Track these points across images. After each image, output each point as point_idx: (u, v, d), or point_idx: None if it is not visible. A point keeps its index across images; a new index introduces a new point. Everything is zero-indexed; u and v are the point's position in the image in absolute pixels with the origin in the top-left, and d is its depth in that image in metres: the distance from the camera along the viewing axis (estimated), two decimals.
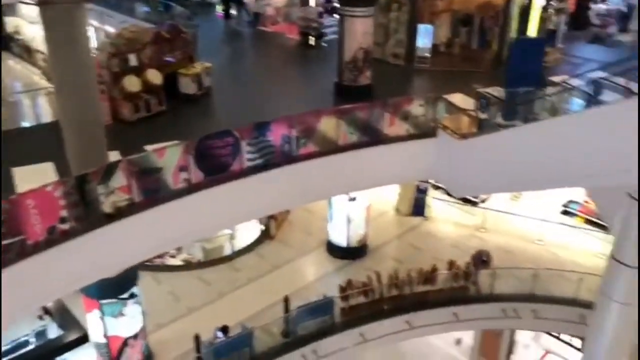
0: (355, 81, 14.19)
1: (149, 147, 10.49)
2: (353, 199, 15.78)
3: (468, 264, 15.23)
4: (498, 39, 17.00)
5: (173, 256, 17.85)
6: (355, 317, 14.27)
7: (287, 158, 11.20)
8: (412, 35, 16.82)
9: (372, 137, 12.14)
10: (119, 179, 9.19)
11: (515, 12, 16.80)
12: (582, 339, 18.49)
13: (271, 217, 17.19)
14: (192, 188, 10.18)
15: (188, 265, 16.84)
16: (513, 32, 17.01)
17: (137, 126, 12.78)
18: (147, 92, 13.10)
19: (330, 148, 11.76)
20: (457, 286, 14.95)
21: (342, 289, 14.29)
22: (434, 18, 17.12)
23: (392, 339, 14.69)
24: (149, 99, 13.09)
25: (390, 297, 14.54)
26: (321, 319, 13.94)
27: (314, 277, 16.01)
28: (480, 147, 11.47)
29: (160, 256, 16.84)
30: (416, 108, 12.37)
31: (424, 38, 16.91)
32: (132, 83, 12.84)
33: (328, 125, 11.68)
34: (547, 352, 20.60)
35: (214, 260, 16.88)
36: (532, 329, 17.94)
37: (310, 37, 19.49)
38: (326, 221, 17.09)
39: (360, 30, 13.82)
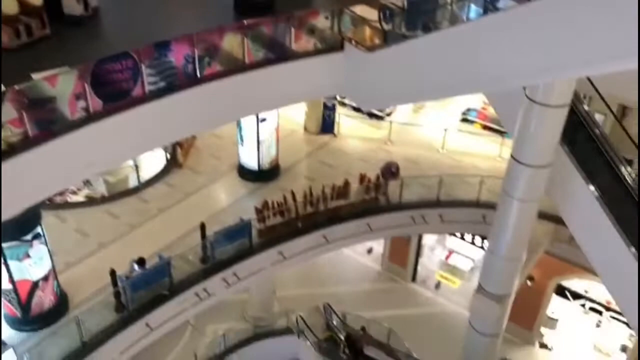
0: None
1: (37, 75, 9.55)
2: (263, 120, 15.50)
3: (378, 176, 15.64)
4: None
5: (75, 192, 16.93)
6: (273, 237, 14.38)
7: (191, 80, 10.68)
8: None
9: (279, 54, 11.80)
10: (9, 112, 8.36)
11: None
12: (483, 237, 19.93)
13: (177, 144, 16.59)
14: (91, 117, 9.50)
15: (93, 201, 16.05)
16: None
17: (19, 53, 11.52)
18: (25, 14, 11.76)
19: (236, 67, 11.33)
20: (369, 198, 15.39)
21: (258, 211, 14.27)
22: None
23: (310, 254, 15.04)
24: (29, 22, 11.78)
25: (306, 214, 14.73)
26: (239, 242, 13.94)
27: (228, 202, 15.84)
28: (387, 59, 11.46)
29: (61, 194, 15.93)
30: (321, 21, 12.07)
31: None
32: (6, 4, 11.45)
33: (232, 43, 11.17)
34: (451, 252, 22.11)
35: (120, 194, 16.17)
36: (439, 232, 19.01)
37: None
38: (235, 145, 16.78)
39: None
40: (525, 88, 10.51)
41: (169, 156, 17.02)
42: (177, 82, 10.43)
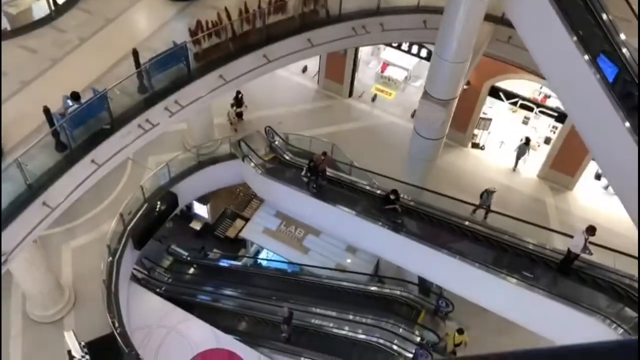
0: None
1: None
2: None
3: None
4: None
5: None
6: (212, 59, 13.54)
7: None
8: None
9: None
10: None
11: None
12: (420, 44, 19.85)
13: None
14: None
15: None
16: None
17: None
18: None
19: None
20: (308, 11, 14.52)
21: (193, 33, 13.22)
22: None
23: (251, 75, 14.41)
24: None
25: (244, 33, 13.83)
26: (177, 68, 13.06)
27: (157, 25, 14.40)
28: None
29: None
30: None
31: None
32: None
33: None
34: (386, 64, 22.06)
35: (29, 25, 14.39)
36: (380, 42, 18.51)
37: None
38: None
39: None
40: None
41: None
42: None
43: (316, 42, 14.70)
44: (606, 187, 18.93)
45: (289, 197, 16.51)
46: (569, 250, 12.42)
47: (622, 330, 10.84)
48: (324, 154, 15.40)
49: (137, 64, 12.25)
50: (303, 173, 15.28)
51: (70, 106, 11.51)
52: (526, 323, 13.23)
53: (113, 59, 13.04)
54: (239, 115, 21.02)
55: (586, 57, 10.92)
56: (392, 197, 14.10)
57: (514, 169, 19.92)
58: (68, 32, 13.91)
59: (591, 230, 12.01)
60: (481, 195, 17.14)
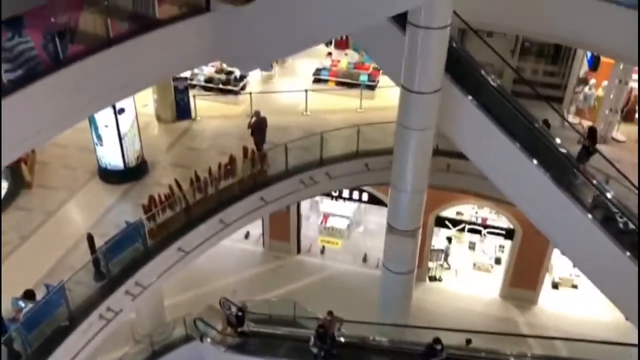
0: None
1: None
2: (121, 111, 13.71)
3: (259, 146, 14.89)
4: None
5: None
6: (168, 233, 12.95)
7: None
8: None
9: (140, 24, 10.35)
10: None
11: None
12: (361, 189, 20.24)
13: (19, 161, 14.02)
14: None
15: None
16: None
17: None
18: None
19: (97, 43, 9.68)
20: (256, 171, 14.58)
21: (146, 209, 12.70)
22: None
23: (210, 243, 13.88)
24: None
25: (197, 202, 13.50)
26: (132, 248, 12.29)
27: (101, 211, 13.76)
28: (260, 10, 10.74)
29: None
30: None
31: None
32: None
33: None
34: (326, 215, 22.25)
35: None
36: (329, 189, 18.44)
37: None
38: (84, 150, 14.91)
39: None
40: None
41: (10, 178, 14.32)
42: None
43: (269, 199, 14.63)
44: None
45: None
46: None
47: None
48: (330, 313, 13.29)
49: (92, 249, 11.41)
50: (312, 343, 12.97)
51: (22, 307, 10.26)
52: None
53: (61, 250, 12.13)
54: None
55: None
56: (438, 347, 12.33)
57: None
58: (7, 233, 12.81)
59: None
60: None
